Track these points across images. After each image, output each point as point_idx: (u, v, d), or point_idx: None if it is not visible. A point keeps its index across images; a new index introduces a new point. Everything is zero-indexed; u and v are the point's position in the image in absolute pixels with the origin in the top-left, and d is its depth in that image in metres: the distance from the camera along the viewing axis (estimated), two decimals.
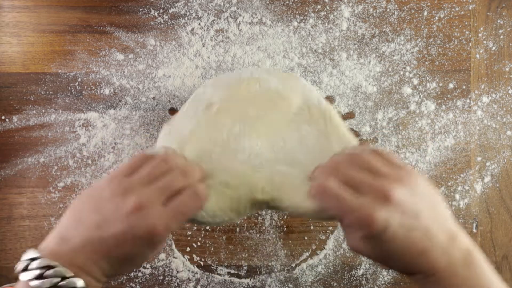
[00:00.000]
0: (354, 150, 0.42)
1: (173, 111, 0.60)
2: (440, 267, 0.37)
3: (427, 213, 0.37)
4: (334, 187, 0.38)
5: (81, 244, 0.36)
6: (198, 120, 0.50)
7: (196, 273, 0.60)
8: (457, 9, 0.60)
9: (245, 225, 0.60)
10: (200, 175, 0.43)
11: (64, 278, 0.34)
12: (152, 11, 0.60)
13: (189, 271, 0.60)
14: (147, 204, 0.37)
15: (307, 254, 0.60)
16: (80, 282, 0.35)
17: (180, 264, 0.60)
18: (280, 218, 0.60)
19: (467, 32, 0.60)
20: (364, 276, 0.59)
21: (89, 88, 0.60)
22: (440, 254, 0.37)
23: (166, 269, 0.60)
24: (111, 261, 0.37)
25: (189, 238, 0.60)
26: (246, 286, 0.60)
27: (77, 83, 0.60)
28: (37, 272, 0.34)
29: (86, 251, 0.36)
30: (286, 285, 0.60)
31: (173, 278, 0.60)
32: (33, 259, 0.35)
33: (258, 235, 0.60)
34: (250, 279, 0.60)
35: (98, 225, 0.37)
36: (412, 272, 0.38)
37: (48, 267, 0.34)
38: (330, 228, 0.60)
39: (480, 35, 0.60)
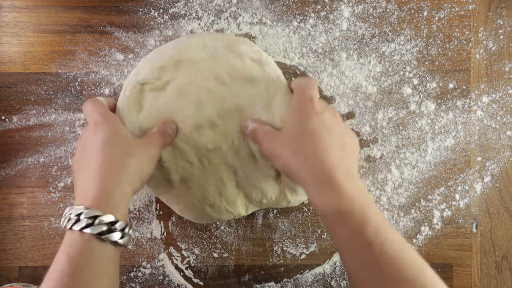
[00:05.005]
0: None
1: None
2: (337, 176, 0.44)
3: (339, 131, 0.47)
4: None
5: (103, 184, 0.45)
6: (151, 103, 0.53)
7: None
8: (457, 9, 0.60)
9: (241, 225, 0.60)
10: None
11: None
12: (152, 11, 0.60)
13: (187, 270, 0.60)
14: None
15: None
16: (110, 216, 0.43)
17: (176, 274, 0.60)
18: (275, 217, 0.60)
19: (467, 32, 0.60)
20: None
21: (89, 88, 0.60)
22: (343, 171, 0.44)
23: (166, 269, 0.60)
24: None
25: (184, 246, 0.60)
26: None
27: (77, 83, 0.60)
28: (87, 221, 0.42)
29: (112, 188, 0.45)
30: (286, 285, 0.60)
31: (173, 278, 0.60)
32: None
33: (255, 234, 0.60)
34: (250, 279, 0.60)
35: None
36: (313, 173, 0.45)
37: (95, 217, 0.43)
38: None
39: (480, 35, 0.60)
